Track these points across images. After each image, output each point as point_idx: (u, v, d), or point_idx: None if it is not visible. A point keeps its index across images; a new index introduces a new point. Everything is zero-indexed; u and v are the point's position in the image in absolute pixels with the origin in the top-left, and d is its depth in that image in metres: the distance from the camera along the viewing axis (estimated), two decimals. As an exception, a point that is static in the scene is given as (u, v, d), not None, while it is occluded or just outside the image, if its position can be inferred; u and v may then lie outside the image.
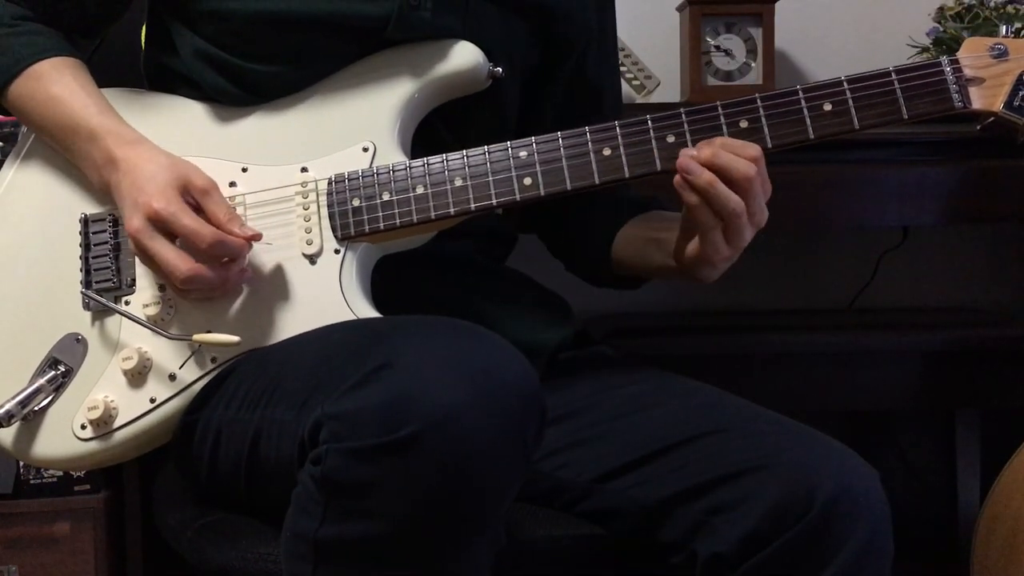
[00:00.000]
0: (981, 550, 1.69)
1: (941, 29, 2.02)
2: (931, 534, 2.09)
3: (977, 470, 2.04)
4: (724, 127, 1.13)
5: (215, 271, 1.13)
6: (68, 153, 1.24)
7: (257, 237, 1.16)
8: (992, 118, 1.13)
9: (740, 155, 1.11)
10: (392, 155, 1.20)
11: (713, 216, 1.12)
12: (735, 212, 1.11)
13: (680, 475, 1.11)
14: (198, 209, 1.15)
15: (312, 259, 1.18)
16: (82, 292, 1.21)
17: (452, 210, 1.16)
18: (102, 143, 1.19)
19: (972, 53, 1.14)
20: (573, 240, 1.42)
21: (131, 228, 1.13)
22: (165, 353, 1.17)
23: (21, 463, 1.79)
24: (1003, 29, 1.89)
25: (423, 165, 1.17)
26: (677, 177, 1.12)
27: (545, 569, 1.17)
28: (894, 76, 1.13)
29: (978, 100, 1.13)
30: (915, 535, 1.84)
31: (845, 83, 1.13)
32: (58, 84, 1.23)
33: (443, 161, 1.17)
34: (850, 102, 1.13)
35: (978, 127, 1.15)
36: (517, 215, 1.42)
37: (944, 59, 1.14)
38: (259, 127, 1.24)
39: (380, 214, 1.17)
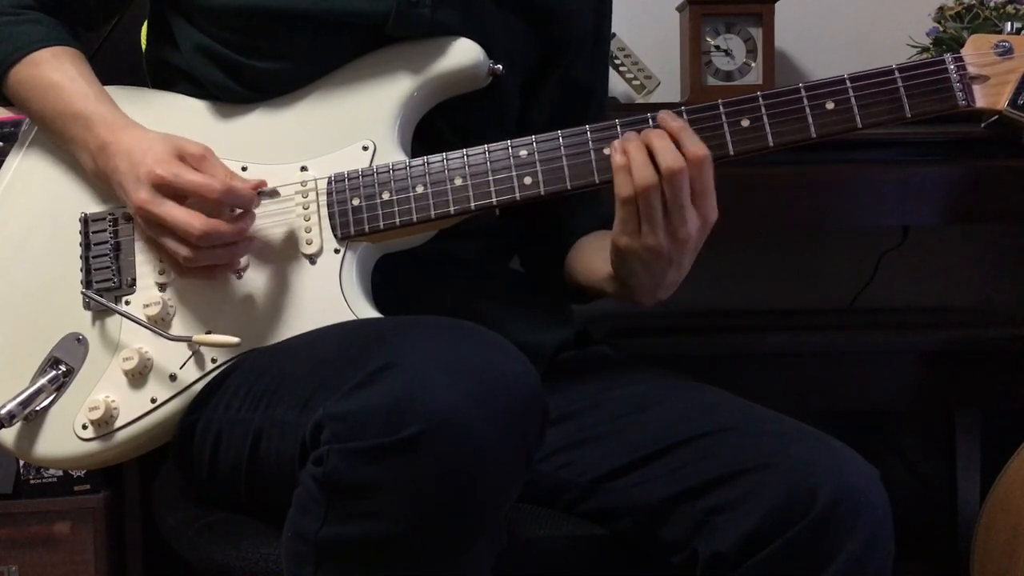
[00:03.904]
0: (981, 550, 1.69)
1: (941, 29, 2.02)
2: (931, 534, 2.09)
3: (977, 470, 2.04)
4: (726, 126, 1.13)
5: (229, 225, 1.12)
6: (64, 141, 1.24)
7: (263, 185, 1.17)
8: (996, 116, 1.13)
9: (683, 149, 1.10)
10: (392, 154, 1.19)
11: (632, 187, 1.11)
12: (645, 186, 1.09)
13: (681, 475, 1.11)
14: None
15: (312, 259, 1.18)
16: (82, 292, 1.21)
17: (452, 209, 1.16)
18: (96, 129, 1.20)
19: (976, 51, 1.13)
20: (539, 250, 1.41)
21: (137, 200, 1.13)
22: (165, 353, 1.17)
23: (21, 463, 1.79)
24: (1008, 26, 1.89)
25: (423, 164, 1.17)
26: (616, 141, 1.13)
27: (545, 569, 1.16)
28: (897, 74, 1.12)
29: (982, 98, 1.12)
30: (915, 535, 1.83)
31: (848, 81, 1.12)
32: (57, 72, 1.24)
33: (443, 160, 1.17)
34: (853, 100, 1.12)
35: (982, 125, 1.14)
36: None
37: (948, 56, 1.13)
38: (259, 125, 1.24)
39: (380, 213, 1.17)
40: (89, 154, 1.21)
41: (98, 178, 1.22)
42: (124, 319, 1.19)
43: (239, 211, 1.15)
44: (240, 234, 1.14)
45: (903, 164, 1.79)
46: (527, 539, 1.15)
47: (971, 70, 1.13)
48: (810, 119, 1.12)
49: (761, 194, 1.76)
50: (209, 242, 1.12)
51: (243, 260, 1.16)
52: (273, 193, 1.19)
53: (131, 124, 1.20)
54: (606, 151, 1.15)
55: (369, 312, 1.15)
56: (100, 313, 1.21)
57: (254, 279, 1.18)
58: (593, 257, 1.29)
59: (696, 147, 1.10)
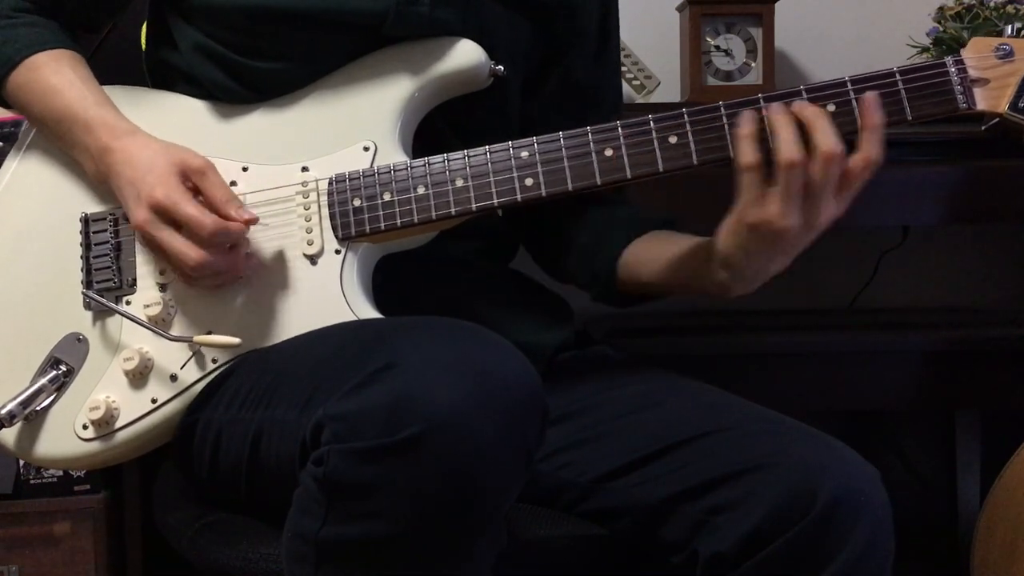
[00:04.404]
0: (981, 550, 1.69)
1: (941, 29, 2.02)
2: (931, 534, 2.09)
3: (977, 470, 2.04)
4: (727, 127, 1.12)
5: (222, 257, 1.13)
6: (64, 144, 1.24)
7: (254, 220, 1.16)
8: (997, 119, 1.12)
9: (864, 145, 1.08)
10: (393, 154, 1.19)
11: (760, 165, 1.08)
12: (790, 160, 1.06)
13: (681, 474, 1.11)
14: (196, 192, 1.15)
15: (313, 259, 1.18)
16: (82, 292, 1.21)
17: (453, 210, 1.16)
18: (97, 133, 1.20)
19: (977, 53, 1.12)
20: (575, 250, 1.38)
21: (137, 220, 1.14)
22: (166, 353, 1.17)
23: (22, 463, 1.79)
24: (1008, 29, 1.88)
25: (424, 165, 1.17)
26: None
27: (545, 569, 1.16)
28: (898, 76, 1.12)
29: (983, 101, 1.12)
30: (915, 535, 1.83)
31: (849, 83, 1.12)
32: (57, 75, 1.24)
33: (444, 161, 1.17)
34: (853, 103, 1.11)
35: (983, 128, 1.14)
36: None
37: (949, 59, 1.13)
38: (259, 126, 1.24)
39: (381, 214, 1.17)
40: (90, 158, 1.21)
41: (99, 181, 1.22)
42: (125, 319, 1.19)
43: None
44: (233, 265, 1.15)
45: (903, 164, 1.79)
46: (527, 539, 1.15)
47: (972, 73, 1.12)
48: (811, 121, 1.12)
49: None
50: (203, 273, 1.13)
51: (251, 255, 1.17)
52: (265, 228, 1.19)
53: (132, 130, 1.20)
54: (608, 152, 1.14)
55: (370, 312, 1.15)
56: (100, 313, 1.21)
57: (255, 279, 1.17)
58: (666, 249, 1.26)
59: (873, 148, 1.08)
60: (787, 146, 1.07)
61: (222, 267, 1.14)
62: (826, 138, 1.07)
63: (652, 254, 1.29)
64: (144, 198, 1.14)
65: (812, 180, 1.07)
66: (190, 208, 1.13)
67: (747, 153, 1.09)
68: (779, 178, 1.08)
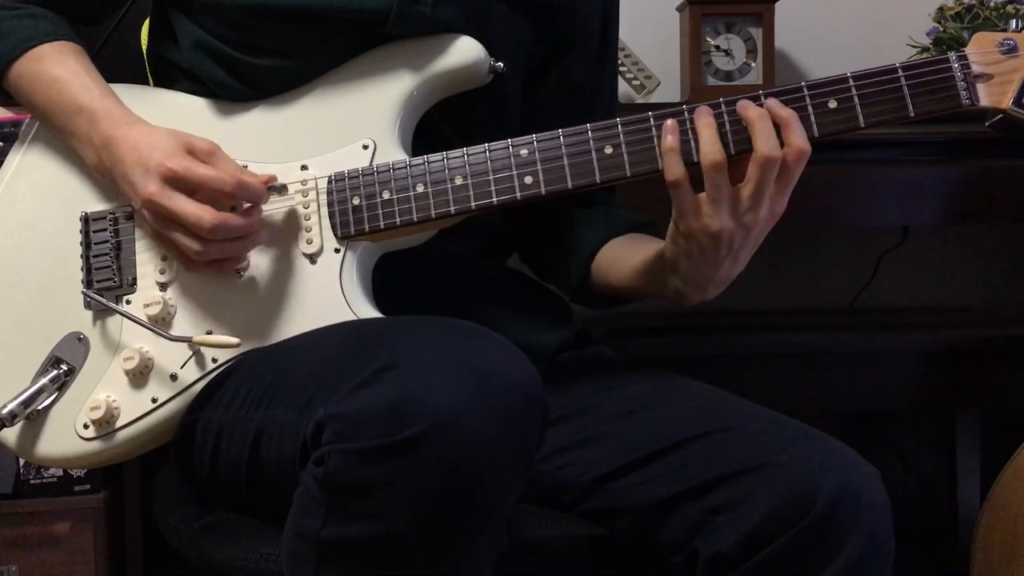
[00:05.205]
0: (981, 550, 1.69)
1: (941, 29, 2.02)
2: (931, 534, 2.09)
3: (977, 470, 2.04)
4: (727, 124, 1.12)
5: (240, 217, 1.13)
6: (67, 135, 1.24)
7: (272, 179, 1.17)
8: (1000, 115, 1.12)
9: (786, 139, 1.09)
10: (392, 152, 1.19)
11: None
12: (713, 163, 1.09)
13: (682, 474, 1.11)
14: None
15: (312, 258, 1.18)
16: (83, 292, 1.21)
17: (452, 209, 1.16)
18: (101, 124, 1.20)
19: (980, 49, 1.12)
20: (555, 249, 1.39)
21: (147, 192, 1.13)
22: (166, 353, 1.17)
23: (22, 463, 1.79)
24: (1013, 24, 1.88)
25: (423, 163, 1.17)
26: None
27: (545, 569, 1.16)
28: (901, 72, 1.12)
29: (986, 97, 1.12)
30: (915, 535, 1.83)
31: (851, 80, 1.12)
32: (60, 66, 1.24)
33: (443, 159, 1.17)
34: (856, 99, 1.11)
35: (986, 124, 1.14)
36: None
37: (952, 55, 1.12)
38: (259, 124, 1.24)
39: (380, 212, 1.17)
40: (93, 148, 1.21)
41: (101, 173, 1.21)
42: (125, 319, 1.19)
43: (247, 205, 1.15)
44: (249, 227, 1.14)
45: (903, 164, 1.79)
46: (527, 539, 1.15)
47: (975, 68, 1.12)
48: (812, 118, 1.11)
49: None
50: (220, 235, 1.12)
51: (244, 258, 1.17)
52: (282, 189, 1.18)
53: (136, 119, 1.20)
54: (607, 150, 1.14)
55: (370, 312, 1.15)
56: (101, 313, 1.21)
57: (254, 279, 1.17)
58: (633, 254, 1.27)
59: (799, 140, 1.09)
60: (708, 146, 1.09)
61: (241, 228, 1.13)
62: (763, 141, 1.08)
63: (621, 258, 1.30)
64: (154, 169, 1.13)
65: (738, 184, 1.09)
66: (204, 169, 1.12)
67: (673, 169, 1.11)
68: (705, 184, 1.09)
